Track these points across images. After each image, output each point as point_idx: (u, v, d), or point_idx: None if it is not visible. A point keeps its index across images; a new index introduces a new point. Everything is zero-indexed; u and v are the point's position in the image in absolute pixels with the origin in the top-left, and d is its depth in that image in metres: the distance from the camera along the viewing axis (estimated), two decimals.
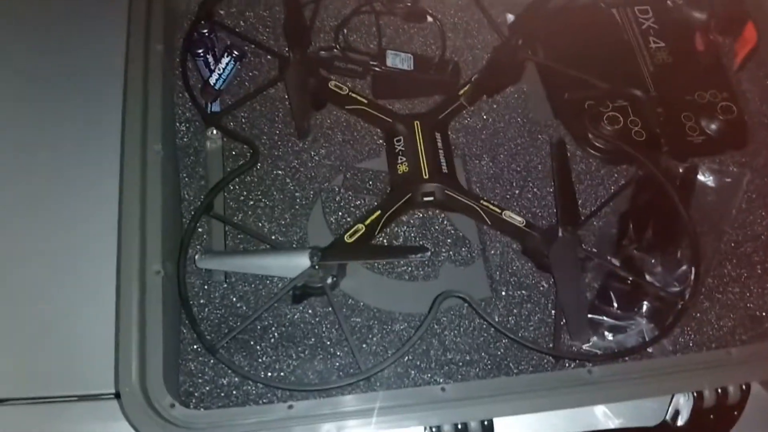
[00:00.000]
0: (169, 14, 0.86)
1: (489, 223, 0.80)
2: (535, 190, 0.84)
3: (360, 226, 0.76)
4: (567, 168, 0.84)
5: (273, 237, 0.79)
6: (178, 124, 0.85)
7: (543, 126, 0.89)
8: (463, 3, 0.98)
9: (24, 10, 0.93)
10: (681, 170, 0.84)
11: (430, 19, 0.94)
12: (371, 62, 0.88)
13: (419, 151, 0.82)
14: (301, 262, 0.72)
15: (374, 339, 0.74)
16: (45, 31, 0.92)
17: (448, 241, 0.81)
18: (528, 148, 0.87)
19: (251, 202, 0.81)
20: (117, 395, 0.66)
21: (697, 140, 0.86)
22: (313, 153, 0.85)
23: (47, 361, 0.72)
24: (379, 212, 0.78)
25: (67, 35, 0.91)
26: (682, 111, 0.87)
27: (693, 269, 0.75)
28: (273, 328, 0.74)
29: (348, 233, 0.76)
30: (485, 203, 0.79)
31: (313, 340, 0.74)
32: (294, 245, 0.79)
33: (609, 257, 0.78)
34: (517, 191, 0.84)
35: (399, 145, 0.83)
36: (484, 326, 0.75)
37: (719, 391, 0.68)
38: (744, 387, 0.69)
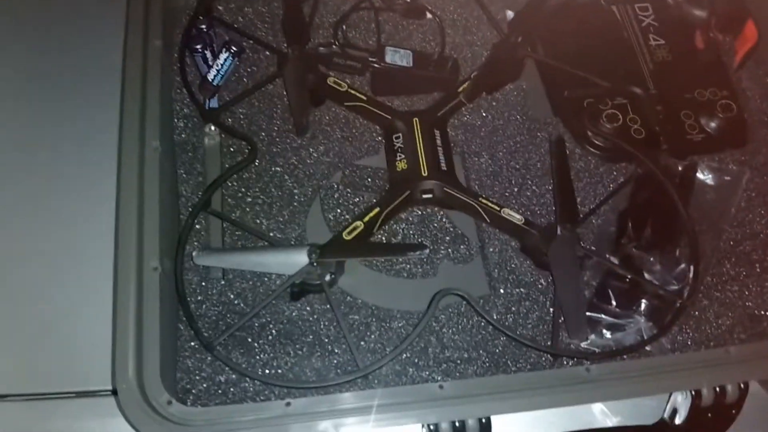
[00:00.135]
0: (167, 10, 0.86)
1: (488, 220, 0.79)
2: (534, 187, 0.84)
3: (358, 223, 0.76)
4: (566, 166, 0.83)
5: (271, 234, 0.79)
6: (176, 121, 0.84)
7: (542, 123, 0.89)
8: (463, 0, 0.97)
9: (21, 4, 0.93)
10: (680, 168, 0.84)
11: (429, 15, 0.94)
12: (370, 59, 0.87)
13: (418, 148, 0.82)
14: (300, 259, 0.72)
15: (372, 336, 0.74)
16: (42, 26, 0.92)
17: (447, 238, 0.80)
18: (527, 146, 0.87)
19: (249, 199, 0.81)
20: (114, 392, 0.66)
21: (697, 138, 0.85)
22: (311, 150, 0.85)
23: (44, 358, 0.72)
24: (377, 209, 0.77)
25: (65, 31, 0.91)
26: (681, 109, 0.87)
27: (692, 268, 0.75)
28: (271, 326, 0.74)
29: (346, 230, 0.76)
30: (484, 201, 0.79)
31: (311, 337, 0.73)
32: (292, 242, 0.79)
33: (608, 255, 0.78)
34: (516, 189, 0.84)
35: (398, 142, 0.83)
36: (483, 324, 0.75)
37: (717, 389, 0.68)
38: (742, 386, 0.69)
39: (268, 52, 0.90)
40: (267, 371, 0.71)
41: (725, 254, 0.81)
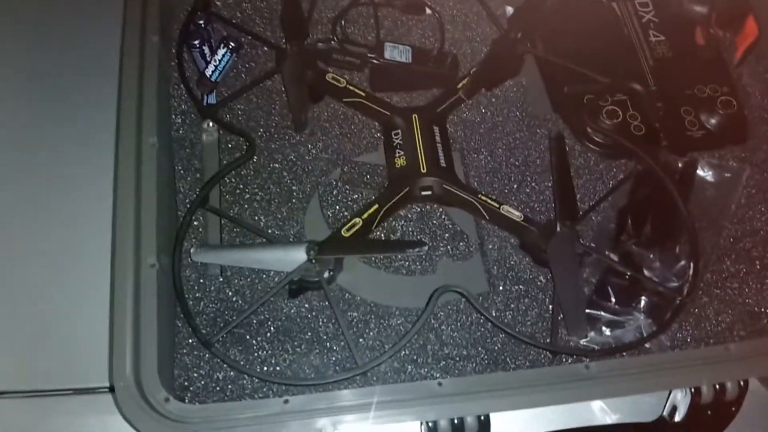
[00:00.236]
0: (165, 5, 0.85)
1: (487, 217, 0.79)
2: (533, 184, 0.84)
3: (357, 220, 0.76)
4: (566, 162, 0.83)
5: (269, 231, 0.78)
6: (173, 117, 0.84)
7: (542, 120, 0.88)
8: None
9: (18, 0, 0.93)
10: (680, 165, 0.84)
11: (428, 11, 0.94)
12: (369, 54, 0.87)
13: (417, 144, 0.82)
14: (298, 256, 0.72)
15: (371, 333, 0.74)
16: (39, 22, 0.92)
17: (446, 235, 0.80)
18: (527, 143, 0.87)
19: (247, 196, 0.81)
20: (112, 389, 0.66)
21: (697, 135, 0.85)
22: (310, 146, 0.84)
23: (42, 355, 0.72)
24: (376, 206, 0.77)
25: (61, 26, 0.91)
26: (681, 105, 0.87)
27: (692, 264, 0.75)
28: (269, 323, 0.74)
29: (345, 227, 0.75)
30: (483, 198, 0.79)
31: (309, 334, 0.73)
32: (291, 239, 0.78)
33: (607, 252, 0.78)
34: (515, 186, 0.84)
35: (397, 139, 0.83)
36: (482, 321, 0.75)
37: (717, 387, 0.68)
38: (742, 383, 0.69)
39: (266, 48, 0.90)
40: (265, 368, 0.71)
41: (725, 251, 0.81)
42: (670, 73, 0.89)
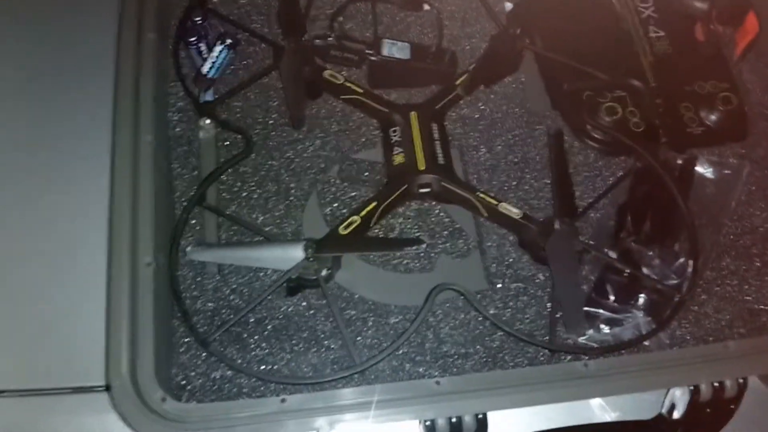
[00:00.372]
0: (161, 2, 0.85)
1: (485, 215, 0.79)
2: (532, 181, 0.83)
3: (355, 217, 0.76)
4: (564, 159, 0.83)
5: (267, 229, 0.78)
6: (170, 114, 0.84)
7: (541, 117, 0.88)
8: None
9: None
10: (680, 162, 0.84)
11: (427, 7, 0.93)
12: (367, 51, 0.87)
13: (416, 141, 0.81)
14: (296, 254, 0.72)
15: (369, 332, 0.73)
16: (34, 18, 0.91)
17: (445, 233, 0.80)
18: (525, 139, 0.86)
19: (245, 193, 0.80)
20: (108, 388, 0.65)
21: (697, 131, 0.85)
22: (308, 143, 0.84)
23: (39, 353, 0.72)
24: (374, 204, 0.77)
25: (58, 23, 0.90)
26: (681, 101, 0.86)
27: (691, 262, 0.75)
28: (266, 321, 0.73)
29: (343, 225, 0.75)
30: (482, 195, 0.78)
31: (307, 333, 0.73)
32: (288, 237, 0.78)
33: (606, 250, 0.77)
34: (514, 183, 0.83)
35: (395, 136, 0.83)
36: (480, 319, 0.74)
37: (716, 384, 0.68)
38: (741, 381, 0.68)
39: (263, 45, 0.89)
40: (263, 367, 0.71)
41: (725, 248, 0.80)
42: (669, 69, 0.88)
